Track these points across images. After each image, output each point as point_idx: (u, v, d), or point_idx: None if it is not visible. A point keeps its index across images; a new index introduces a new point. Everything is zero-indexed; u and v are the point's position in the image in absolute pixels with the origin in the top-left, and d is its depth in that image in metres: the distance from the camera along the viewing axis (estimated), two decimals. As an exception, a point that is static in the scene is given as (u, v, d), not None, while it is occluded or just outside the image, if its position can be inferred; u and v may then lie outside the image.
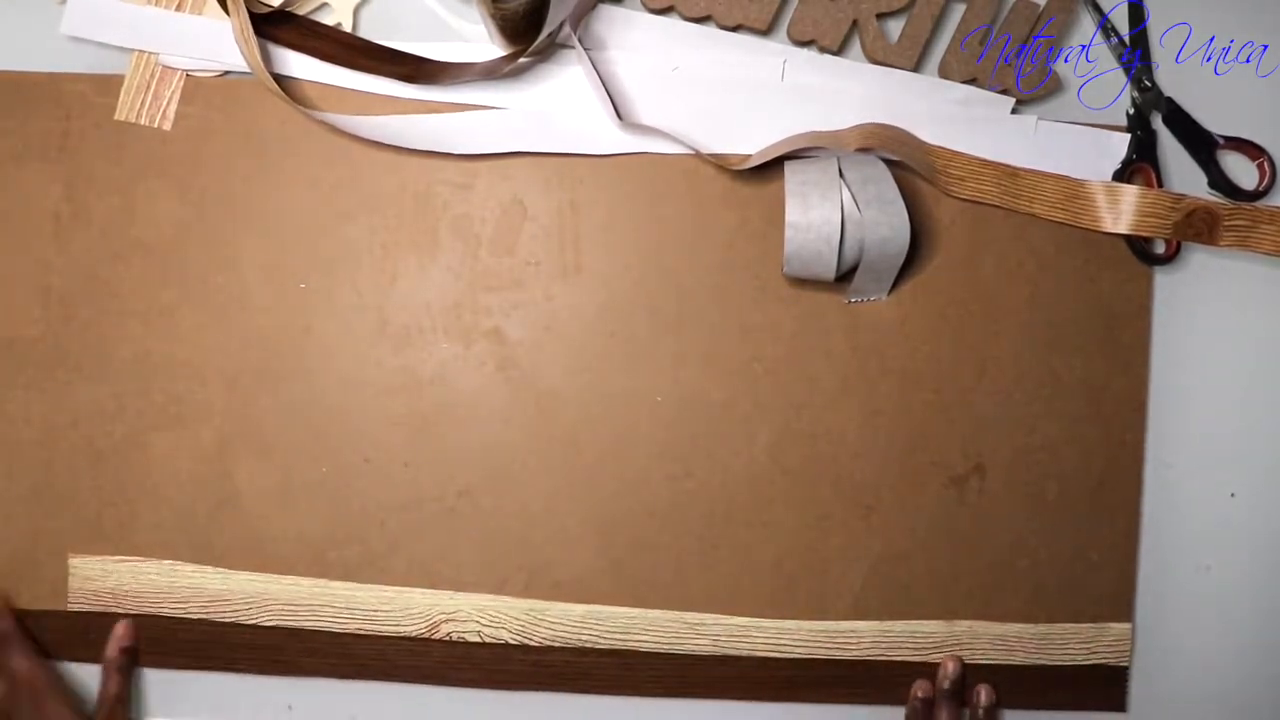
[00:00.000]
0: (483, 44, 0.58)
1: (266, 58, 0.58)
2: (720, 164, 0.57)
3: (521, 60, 0.57)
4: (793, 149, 0.56)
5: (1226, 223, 0.58)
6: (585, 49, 0.57)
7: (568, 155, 0.59)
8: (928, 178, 0.58)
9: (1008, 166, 0.58)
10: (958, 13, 0.58)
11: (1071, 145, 0.59)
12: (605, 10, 0.58)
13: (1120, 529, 0.60)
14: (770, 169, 0.58)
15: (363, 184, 0.59)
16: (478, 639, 0.59)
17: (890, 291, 0.59)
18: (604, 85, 0.57)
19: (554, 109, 0.58)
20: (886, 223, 0.55)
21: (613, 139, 0.58)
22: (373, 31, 0.59)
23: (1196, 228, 0.58)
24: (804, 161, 0.56)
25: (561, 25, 0.58)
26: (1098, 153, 0.59)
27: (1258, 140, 0.59)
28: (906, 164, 0.58)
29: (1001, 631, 0.60)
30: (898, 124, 0.57)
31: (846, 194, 0.55)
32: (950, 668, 0.58)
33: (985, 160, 0.58)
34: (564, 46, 0.58)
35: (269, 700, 0.60)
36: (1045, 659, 0.60)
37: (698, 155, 0.58)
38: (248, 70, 0.57)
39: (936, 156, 0.58)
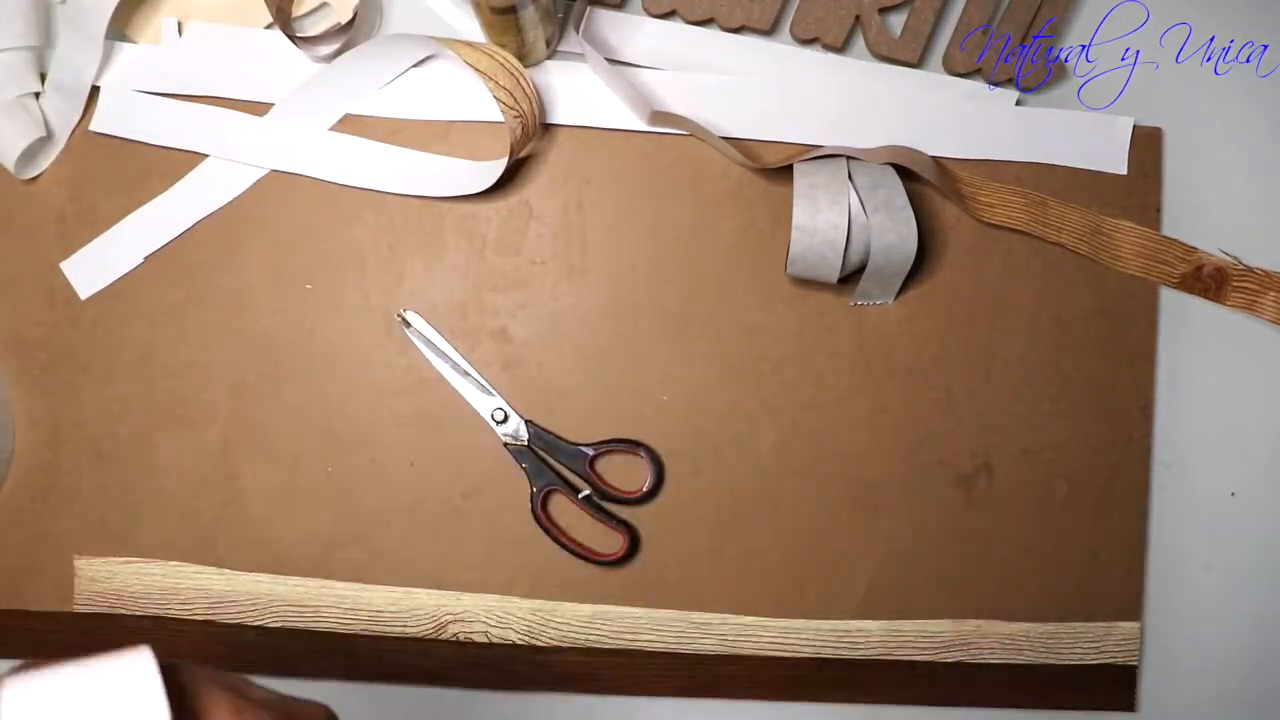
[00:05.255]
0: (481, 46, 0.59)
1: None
2: (743, 152, 0.57)
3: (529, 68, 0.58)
4: (815, 155, 0.57)
5: (1235, 283, 0.59)
6: (596, 51, 0.57)
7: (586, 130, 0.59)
8: (955, 202, 0.58)
9: (1036, 195, 0.58)
10: (960, 5, 0.58)
11: (1078, 133, 0.59)
12: (607, 15, 0.59)
13: (1128, 528, 0.60)
14: (779, 169, 0.58)
15: (369, 185, 0.59)
16: (485, 639, 0.58)
17: (896, 297, 0.59)
18: (621, 79, 0.57)
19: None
20: (894, 229, 0.55)
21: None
22: (371, 32, 0.59)
23: (1204, 283, 0.59)
24: (814, 164, 0.56)
25: (563, 33, 0.58)
26: (1103, 140, 0.59)
27: (1258, 143, 0.60)
28: (929, 182, 0.58)
29: (1010, 631, 0.59)
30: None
31: (854, 198, 0.55)
32: None
33: (1015, 188, 0.58)
34: (567, 53, 0.59)
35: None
36: (1054, 658, 0.59)
37: (721, 144, 0.57)
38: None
39: (964, 183, 0.58)
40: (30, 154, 0.57)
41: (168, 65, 0.58)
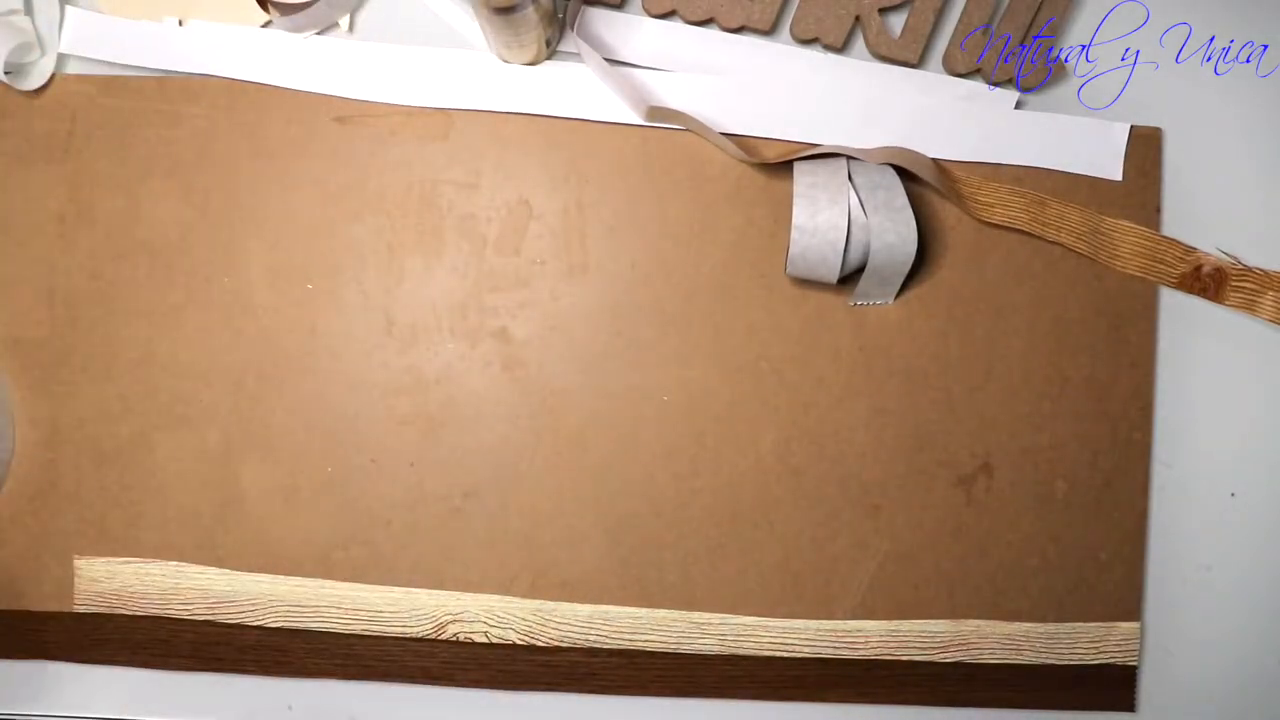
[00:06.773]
0: (481, 47, 0.59)
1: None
2: (741, 147, 0.57)
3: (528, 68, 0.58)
4: (812, 154, 0.57)
5: (1234, 283, 0.59)
6: (593, 50, 0.57)
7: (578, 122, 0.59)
8: (954, 203, 0.58)
9: (1036, 194, 0.58)
10: (959, 5, 0.58)
11: (1074, 138, 0.59)
12: (606, 15, 0.59)
13: (1127, 528, 0.60)
14: (779, 169, 0.58)
15: (368, 185, 0.59)
16: (484, 639, 0.59)
17: (896, 297, 0.59)
18: (616, 76, 0.57)
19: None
20: (893, 229, 0.55)
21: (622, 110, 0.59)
22: (370, 34, 0.59)
23: (1204, 283, 0.59)
24: (813, 163, 0.56)
25: (563, 33, 0.58)
26: (1099, 146, 0.59)
27: (1258, 143, 0.60)
28: (929, 183, 0.58)
29: (1009, 631, 0.59)
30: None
31: (854, 198, 0.55)
32: None
33: (1014, 188, 0.58)
34: (567, 54, 0.59)
35: (268, 700, 0.59)
36: (1053, 658, 0.59)
37: (719, 138, 0.57)
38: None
39: (963, 183, 0.58)
40: (25, 67, 0.58)
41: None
